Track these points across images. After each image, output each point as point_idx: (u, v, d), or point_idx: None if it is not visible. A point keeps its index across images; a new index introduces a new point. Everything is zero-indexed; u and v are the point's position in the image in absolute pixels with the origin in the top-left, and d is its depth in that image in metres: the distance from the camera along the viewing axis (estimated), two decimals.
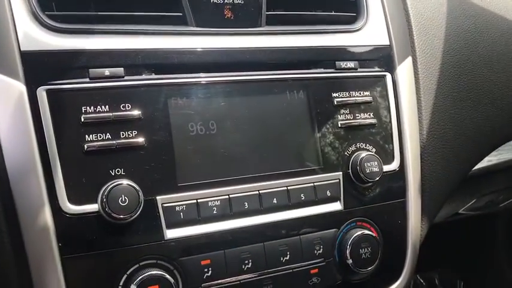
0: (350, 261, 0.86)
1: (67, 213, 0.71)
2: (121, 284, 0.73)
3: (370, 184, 0.90)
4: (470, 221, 2.13)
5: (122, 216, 0.71)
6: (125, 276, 0.73)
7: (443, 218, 1.35)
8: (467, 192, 1.28)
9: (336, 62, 0.91)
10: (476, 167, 1.15)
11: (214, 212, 0.78)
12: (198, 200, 0.77)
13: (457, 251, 2.31)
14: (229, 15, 0.85)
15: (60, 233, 0.70)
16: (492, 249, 2.12)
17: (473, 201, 1.33)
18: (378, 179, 0.88)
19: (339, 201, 0.87)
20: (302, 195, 0.84)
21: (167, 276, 0.73)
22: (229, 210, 0.79)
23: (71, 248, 0.71)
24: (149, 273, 0.72)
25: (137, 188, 0.72)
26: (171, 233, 0.76)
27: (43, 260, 0.70)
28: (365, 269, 0.87)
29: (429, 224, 1.02)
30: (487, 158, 1.21)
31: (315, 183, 0.85)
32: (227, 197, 0.79)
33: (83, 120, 0.73)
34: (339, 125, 0.89)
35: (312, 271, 0.84)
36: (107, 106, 0.74)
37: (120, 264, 0.73)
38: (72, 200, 0.71)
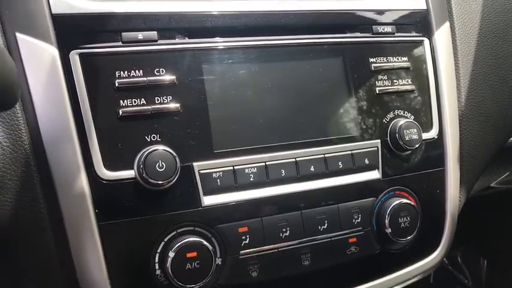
0: (389, 230, 0.83)
1: (103, 180, 0.69)
2: (159, 251, 0.71)
3: (408, 152, 0.87)
4: (495, 199, 2.09)
5: (159, 182, 0.69)
6: (163, 243, 0.72)
7: (475, 191, 1.31)
8: (500, 164, 1.24)
9: (373, 26, 0.88)
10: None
11: (251, 179, 0.76)
12: (235, 167, 0.75)
13: (481, 230, 2.27)
14: None
15: (96, 200, 0.69)
16: None
17: (506, 174, 1.29)
18: (417, 146, 0.85)
19: (377, 170, 0.85)
20: (340, 163, 0.82)
21: (206, 243, 0.72)
22: (266, 177, 0.77)
23: (107, 214, 0.70)
24: (187, 239, 0.71)
25: (174, 154, 0.70)
26: (208, 200, 0.74)
27: (80, 227, 0.69)
28: (404, 238, 0.85)
29: (467, 194, 0.99)
30: None
31: (353, 151, 0.83)
32: (264, 164, 0.77)
33: (117, 85, 0.71)
34: (377, 91, 0.86)
35: (350, 240, 0.82)
36: (141, 71, 0.72)
37: (157, 231, 0.72)
38: (108, 166, 0.70)
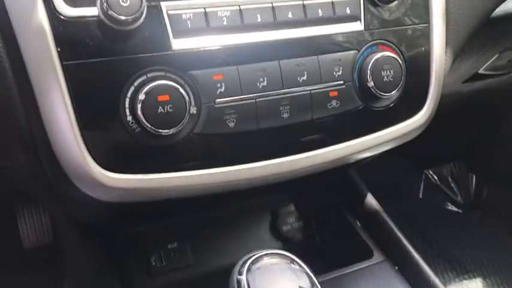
0: (371, 84, 0.80)
1: (63, 16, 0.64)
2: (128, 95, 0.68)
3: (393, 5, 0.82)
4: (482, 112, 2.08)
5: (124, 18, 0.64)
6: (132, 87, 0.68)
7: (463, 77, 1.28)
8: (488, 44, 1.20)
9: None
10: (500, 9, 1.07)
11: (224, 22, 0.72)
12: (206, 9, 0.71)
13: (468, 145, 2.28)
14: None
15: (58, 38, 0.64)
16: (505, 142, 2.09)
17: (495, 57, 1.26)
18: None
19: (359, 21, 0.80)
20: (319, 10, 0.77)
21: (178, 86, 0.68)
22: (241, 21, 0.73)
23: (71, 54, 0.65)
24: (158, 82, 0.67)
25: None
26: (178, 43, 0.70)
27: (42, 67, 0.65)
28: (387, 93, 0.82)
29: (453, 58, 0.96)
30: None
31: None
32: (238, 7, 0.72)
33: None
34: None
35: (331, 94, 0.79)
36: None
37: (125, 74, 0.67)
38: (69, 2, 0.65)
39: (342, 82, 0.79)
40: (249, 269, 0.63)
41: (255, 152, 0.77)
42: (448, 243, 2.02)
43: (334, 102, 0.79)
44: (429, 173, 2.36)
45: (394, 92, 0.82)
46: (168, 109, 0.67)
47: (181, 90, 0.68)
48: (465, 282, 1.83)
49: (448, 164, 2.32)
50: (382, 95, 0.81)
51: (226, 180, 0.75)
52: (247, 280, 0.62)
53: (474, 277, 1.85)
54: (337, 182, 1.17)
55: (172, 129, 0.68)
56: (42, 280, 1.37)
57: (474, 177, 2.27)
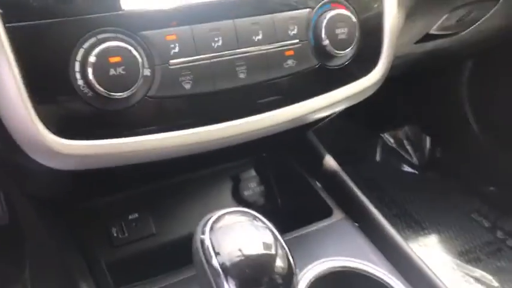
0: (326, 42, 0.80)
1: None
2: (78, 58, 0.65)
3: None
4: (435, 76, 2.14)
5: None
6: (82, 50, 0.65)
7: (416, 38, 1.31)
8: (438, 4, 1.22)
9: None
10: None
11: None
12: None
13: (423, 109, 2.34)
14: None
15: None
16: (457, 104, 2.16)
17: (445, 17, 1.29)
18: None
19: None
20: None
21: (130, 48, 0.66)
22: None
23: (14, 15, 0.62)
24: (109, 43, 0.65)
25: None
26: (128, 3, 0.67)
27: None
28: (342, 51, 0.82)
29: (405, 16, 0.97)
30: None
31: None
32: None
33: None
34: None
35: (287, 53, 0.79)
36: None
37: (74, 36, 0.65)
38: None
39: (297, 41, 0.79)
40: (211, 228, 0.63)
41: (212, 114, 0.76)
42: (404, 202, 2.09)
43: (290, 62, 0.79)
44: (385, 136, 2.41)
45: (348, 49, 0.82)
46: (121, 71, 0.66)
47: (134, 51, 0.66)
48: (421, 238, 1.91)
49: (403, 127, 2.38)
50: (336, 53, 0.82)
51: (183, 144, 0.74)
52: (210, 239, 0.62)
53: (430, 233, 1.93)
54: (296, 145, 1.18)
55: (125, 92, 0.67)
56: (3, 263, 1.33)
57: (428, 138, 2.34)
